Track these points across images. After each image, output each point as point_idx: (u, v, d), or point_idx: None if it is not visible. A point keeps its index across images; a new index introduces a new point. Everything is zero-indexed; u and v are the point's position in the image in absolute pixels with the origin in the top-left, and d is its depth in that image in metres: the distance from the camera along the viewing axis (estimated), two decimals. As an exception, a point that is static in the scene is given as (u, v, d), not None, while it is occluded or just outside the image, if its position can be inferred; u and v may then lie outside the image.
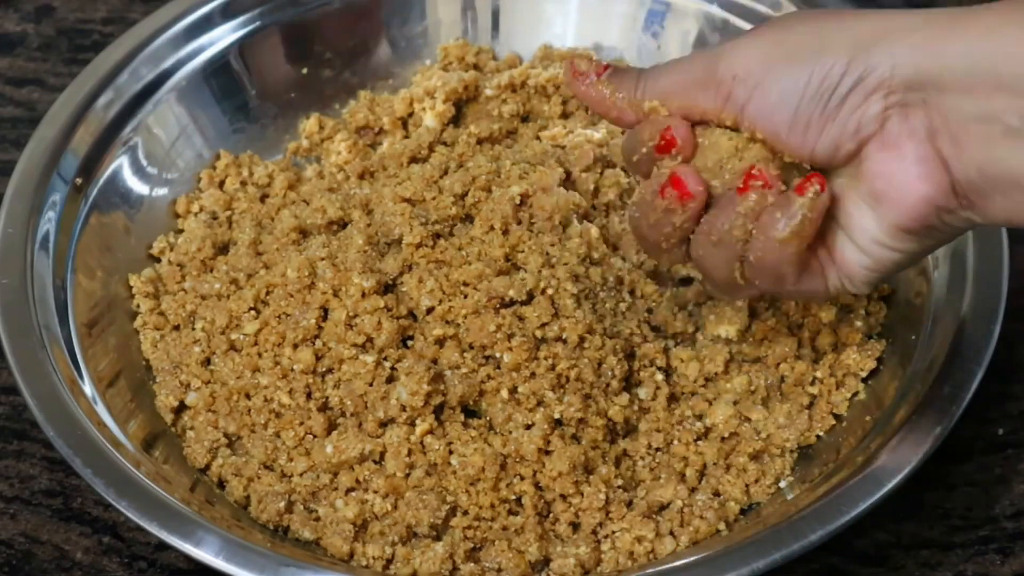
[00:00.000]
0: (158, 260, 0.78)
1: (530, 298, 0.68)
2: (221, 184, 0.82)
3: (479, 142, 0.80)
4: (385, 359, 0.68)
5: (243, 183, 0.82)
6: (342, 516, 0.65)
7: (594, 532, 0.66)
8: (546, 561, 0.65)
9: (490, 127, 0.81)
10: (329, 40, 0.87)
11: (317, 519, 0.66)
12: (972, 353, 0.67)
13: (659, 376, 0.70)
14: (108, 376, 0.70)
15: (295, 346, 0.69)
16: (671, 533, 0.66)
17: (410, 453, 0.66)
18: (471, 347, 0.67)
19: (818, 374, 0.72)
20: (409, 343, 0.69)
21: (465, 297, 0.68)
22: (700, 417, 0.70)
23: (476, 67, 0.87)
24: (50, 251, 0.72)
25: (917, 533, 0.69)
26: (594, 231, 0.72)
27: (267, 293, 0.71)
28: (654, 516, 0.66)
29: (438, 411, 0.67)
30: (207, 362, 0.72)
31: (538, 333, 0.67)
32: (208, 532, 0.61)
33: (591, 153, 0.76)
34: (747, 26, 0.83)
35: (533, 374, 0.67)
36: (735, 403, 0.70)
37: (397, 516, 0.65)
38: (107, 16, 0.97)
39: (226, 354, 0.71)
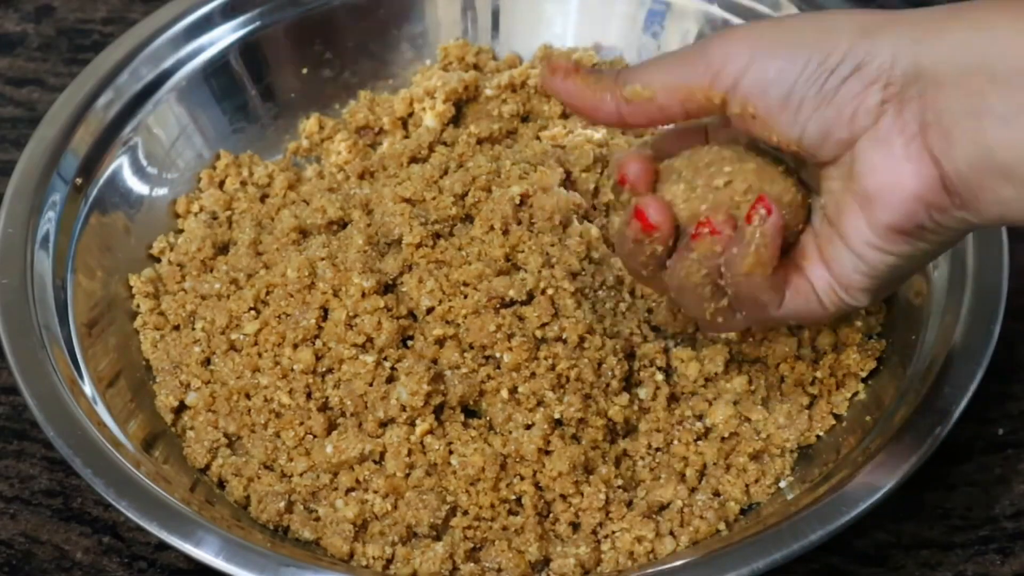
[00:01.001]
0: (158, 260, 0.78)
1: (530, 298, 0.68)
2: (221, 184, 0.82)
3: (479, 142, 0.80)
4: (385, 359, 0.68)
5: (243, 183, 0.82)
6: (342, 516, 0.65)
7: (594, 532, 0.66)
8: (546, 561, 0.65)
9: (490, 127, 0.81)
10: (329, 40, 0.86)
11: (317, 519, 0.66)
12: (972, 353, 0.67)
13: (659, 376, 0.70)
14: (108, 376, 0.70)
15: (295, 346, 0.69)
16: (671, 533, 0.66)
17: (410, 453, 0.66)
18: (471, 347, 0.67)
19: (818, 374, 0.72)
20: (409, 343, 0.69)
21: (465, 297, 0.68)
22: (700, 417, 0.70)
23: (476, 67, 0.87)
24: (50, 251, 0.72)
25: (917, 533, 0.69)
26: (594, 231, 0.72)
27: (267, 293, 0.71)
28: (654, 516, 0.66)
29: (438, 411, 0.67)
30: (207, 362, 0.72)
31: (538, 333, 0.67)
32: (208, 532, 0.61)
33: (591, 153, 0.76)
34: (747, 26, 0.83)
35: (533, 374, 0.67)
36: (735, 403, 0.70)
37: (397, 516, 0.65)
38: (107, 16, 0.97)
39: (226, 354, 0.71)
